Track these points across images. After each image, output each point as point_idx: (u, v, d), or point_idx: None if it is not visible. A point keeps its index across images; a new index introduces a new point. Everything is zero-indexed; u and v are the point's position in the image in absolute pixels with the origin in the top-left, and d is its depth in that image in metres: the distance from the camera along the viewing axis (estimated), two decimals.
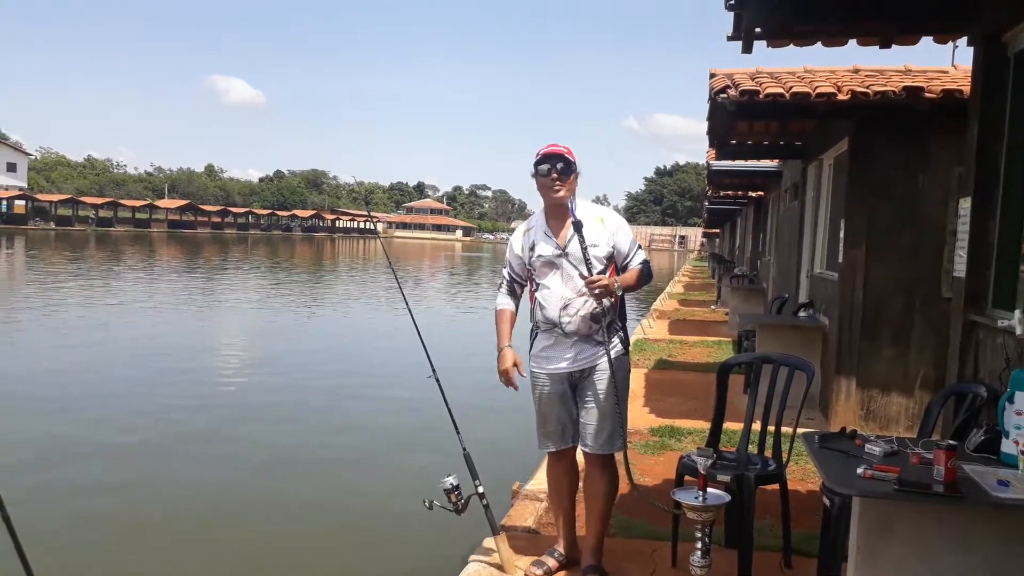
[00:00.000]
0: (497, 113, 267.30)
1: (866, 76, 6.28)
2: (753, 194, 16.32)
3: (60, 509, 5.61)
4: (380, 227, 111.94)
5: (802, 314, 7.57)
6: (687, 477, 3.54)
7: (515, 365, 3.37)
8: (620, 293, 3.28)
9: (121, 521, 5.52)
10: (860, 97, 5.50)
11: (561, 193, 3.24)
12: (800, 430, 3.54)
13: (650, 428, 6.33)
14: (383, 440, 7.79)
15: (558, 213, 3.31)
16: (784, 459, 3.59)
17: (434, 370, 3.65)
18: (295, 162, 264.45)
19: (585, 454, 3.43)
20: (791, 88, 5.72)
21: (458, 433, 3.56)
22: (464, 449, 3.55)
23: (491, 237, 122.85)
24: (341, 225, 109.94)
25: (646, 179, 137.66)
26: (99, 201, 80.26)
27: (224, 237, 77.60)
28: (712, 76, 6.70)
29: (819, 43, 4.16)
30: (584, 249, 3.19)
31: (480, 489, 3.49)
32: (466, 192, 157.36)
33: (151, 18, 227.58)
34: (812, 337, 7.01)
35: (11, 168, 79.24)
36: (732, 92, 5.73)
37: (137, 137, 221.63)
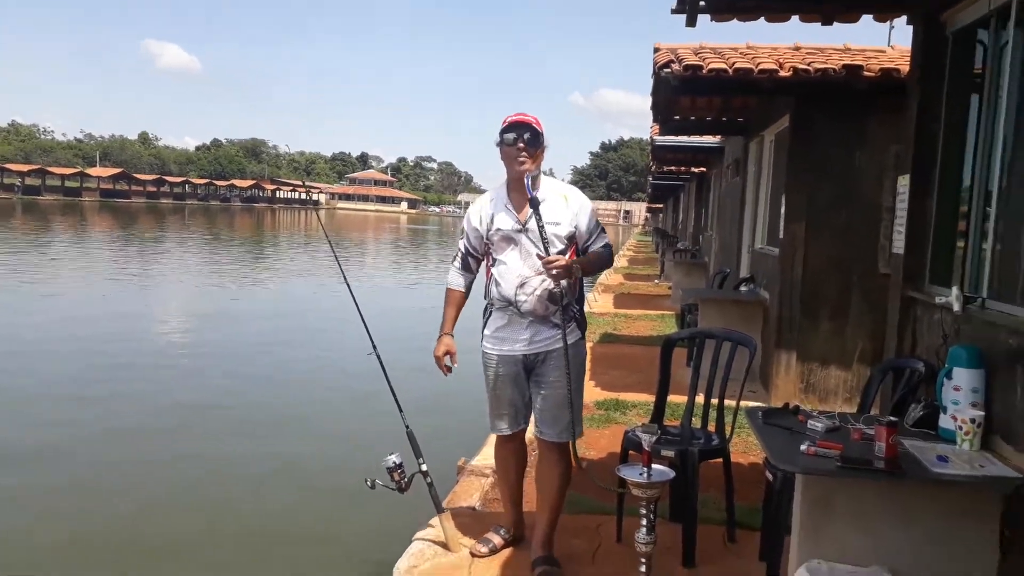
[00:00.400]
0: (444, 85, 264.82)
1: (807, 53, 6.34)
2: (696, 170, 16.48)
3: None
4: (322, 198, 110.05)
5: (743, 288, 7.68)
6: (631, 452, 3.55)
7: (448, 354, 3.32)
8: (579, 275, 3.15)
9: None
10: (801, 74, 5.54)
11: (526, 165, 3.09)
12: (742, 404, 3.60)
13: (595, 401, 6.36)
14: (323, 419, 7.69)
15: (521, 186, 3.14)
16: (727, 434, 3.62)
17: (374, 347, 3.56)
18: (233, 131, 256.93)
19: (540, 440, 3.35)
20: (734, 64, 5.74)
21: (400, 411, 3.49)
22: (407, 427, 3.48)
23: (437, 210, 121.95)
24: (281, 196, 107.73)
25: (591, 154, 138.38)
26: (25, 168, 77.04)
27: (160, 207, 75.42)
28: (656, 51, 6.68)
29: (762, 19, 4.14)
30: (541, 227, 3.02)
31: (423, 467, 3.44)
32: (411, 164, 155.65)
33: None
34: (753, 311, 7.13)
35: None
36: (675, 67, 5.71)
37: (66, 103, 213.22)
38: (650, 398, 6.65)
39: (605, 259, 3.32)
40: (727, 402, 3.66)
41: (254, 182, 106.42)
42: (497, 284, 3.21)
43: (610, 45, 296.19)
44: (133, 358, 9.77)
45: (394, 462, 3.39)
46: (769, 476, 3.16)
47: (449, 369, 3.34)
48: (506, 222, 3.18)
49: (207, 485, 5.83)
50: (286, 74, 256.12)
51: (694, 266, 13.92)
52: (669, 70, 5.66)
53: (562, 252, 3.13)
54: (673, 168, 16.89)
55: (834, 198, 6.07)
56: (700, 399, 3.85)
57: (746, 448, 5.25)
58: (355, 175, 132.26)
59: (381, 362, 3.54)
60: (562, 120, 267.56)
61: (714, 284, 9.45)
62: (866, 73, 5.47)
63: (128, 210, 64.39)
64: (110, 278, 18.36)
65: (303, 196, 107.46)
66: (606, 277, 19.52)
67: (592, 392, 6.74)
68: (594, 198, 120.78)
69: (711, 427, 3.74)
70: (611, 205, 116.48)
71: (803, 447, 2.41)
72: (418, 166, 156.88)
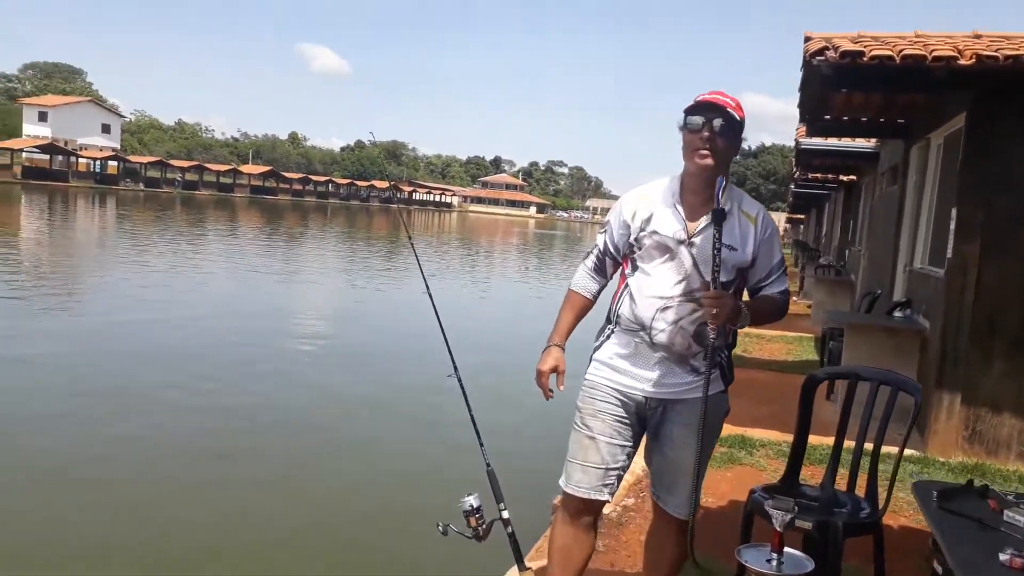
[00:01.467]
0: (579, 88, 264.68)
1: (991, 41, 5.37)
2: (844, 178, 15.16)
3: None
4: (455, 200, 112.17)
5: (897, 314, 6.71)
6: (756, 516, 2.90)
7: (555, 371, 2.60)
8: (744, 324, 2.42)
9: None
10: (987, 62, 4.64)
11: (708, 161, 2.39)
12: (906, 467, 2.86)
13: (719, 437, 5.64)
14: (393, 448, 6.72)
15: (699, 186, 2.45)
16: (881, 501, 2.90)
17: (456, 367, 3.08)
18: (377, 132, 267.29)
19: (659, 511, 2.70)
20: (901, 51, 4.89)
21: (481, 445, 2.99)
22: (488, 465, 2.98)
23: (564, 215, 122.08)
24: (417, 197, 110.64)
25: None
26: (186, 164, 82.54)
27: (304, 205, 78.98)
28: (807, 39, 5.87)
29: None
30: (717, 249, 2.30)
31: (505, 514, 2.92)
32: (542, 168, 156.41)
33: None
34: (909, 342, 6.18)
35: (105, 130, 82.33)
36: (831, 54, 4.93)
37: (226, 103, 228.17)
38: (781, 436, 5.90)
39: (779, 310, 2.59)
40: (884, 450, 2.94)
41: (392, 184, 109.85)
42: (632, 300, 2.52)
43: (753, 47, 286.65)
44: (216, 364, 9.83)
45: (471, 505, 2.88)
46: (938, 569, 2.44)
47: (552, 392, 2.64)
48: (669, 226, 2.47)
49: (262, 516, 5.14)
50: (429, 78, 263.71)
51: (838, 284, 12.74)
52: (823, 58, 4.89)
53: (728, 286, 2.44)
54: (819, 176, 15.63)
55: (1018, 212, 5.09)
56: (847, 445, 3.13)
57: (897, 507, 4.42)
58: (487, 178, 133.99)
59: (462, 386, 3.06)
60: None
61: (862, 307, 8.43)
62: None
63: (275, 206, 67.76)
64: (238, 274, 19.02)
65: (437, 198, 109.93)
66: None
67: None
68: None
69: (859, 489, 3.02)
70: (776, 224, 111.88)
71: (1003, 556, 1.72)
72: (549, 170, 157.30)
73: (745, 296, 2.54)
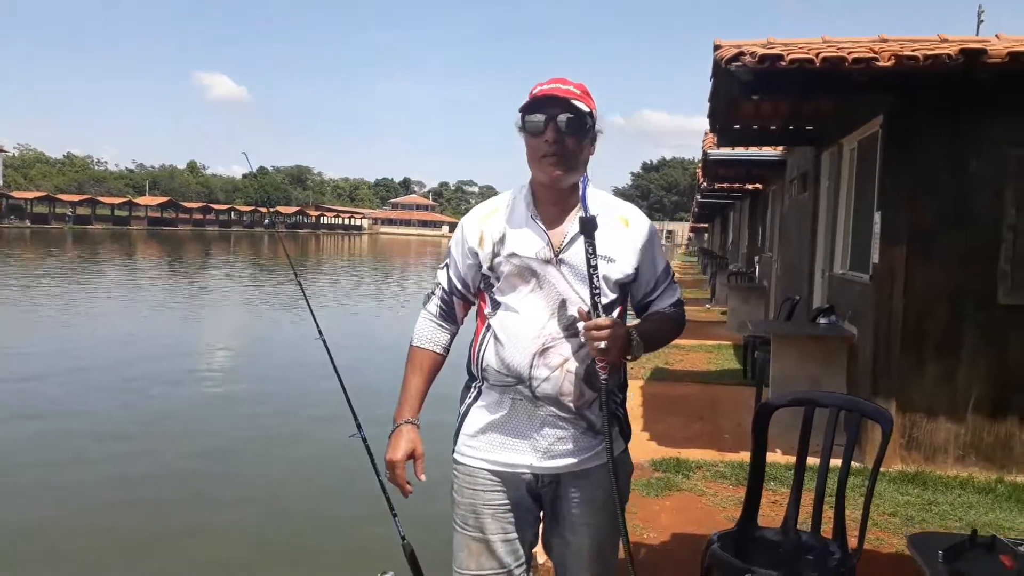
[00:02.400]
0: (483, 110, 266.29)
1: (901, 44, 5.31)
2: (750, 186, 15.37)
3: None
4: (365, 223, 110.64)
5: (822, 321, 6.60)
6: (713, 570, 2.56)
7: (412, 457, 2.03)
8: (638, 355, 1.92)
9: None
10: (906, 63, 4.52)
11: (559, 170, 1.92)
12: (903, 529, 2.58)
13: (651, 460, 5.34)
14: (299, 521, 5.55)
15: (554, 196, 1.99)
16: (852, 544, 2.59)
17: (359, 427, 2.62)
18: (279, 158, 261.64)
19: None
20: (819, 54, 4.74)
21: (394, 515, 2.52)
22: (403, 538, 2.51)
23: None
24: (325, 222, 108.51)
25: (632, 174, 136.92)
26: (76, 198, 78.67)
27: (206, 234, 76.16)
28: (717, 47, 5.70)
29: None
30: (593, 266, 1.84)
31: None
32: (452, 188, 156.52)
33: (136, 14, 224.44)
34: (836, 349, 6.05)
35: None
36: (748, 59, 4.73)
37: (120, 134, 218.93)
38: (718, 455, 5.65)
39: (676, 327, 2.13)
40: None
41: (298, 208, 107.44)
42: (499, 345, 1.98)
43: (651, 66, 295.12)
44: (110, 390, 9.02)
45: None
46: None
47: (406, 485, 2.07)
48: (530, 244, 1.97)
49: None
50: (332, 102, 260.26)
51: (752, 291, 12.81)
52: (740, 63, 4.68)
53: (610, 308, 1.97)
54: (724, 185, 15.80)
55: (943, 215, 5.01)
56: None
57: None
58: (397, 200, 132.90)
59: (368, 448, 2.58)
60: (603, 142, 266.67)
61: (781, 313, 8.37)
62: (990, 59, 4.42)
63: (174, 237, 65.06)
64: (127, 305, 17.86)
65: (346, 222, 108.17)
66: None
67: (646, 447, 5.72)
68: None
69: (825, 529, 2.72)
70: (654, 225, 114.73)
71: None
72: (459, 190, 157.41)
73: (631, 319, 2.10)
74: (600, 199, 2.03)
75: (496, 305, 2.03)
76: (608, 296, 1.96)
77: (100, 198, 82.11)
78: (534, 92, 1.95)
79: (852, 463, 2.82)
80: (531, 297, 1.97)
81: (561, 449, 1.97)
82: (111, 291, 21.36)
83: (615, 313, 2.00)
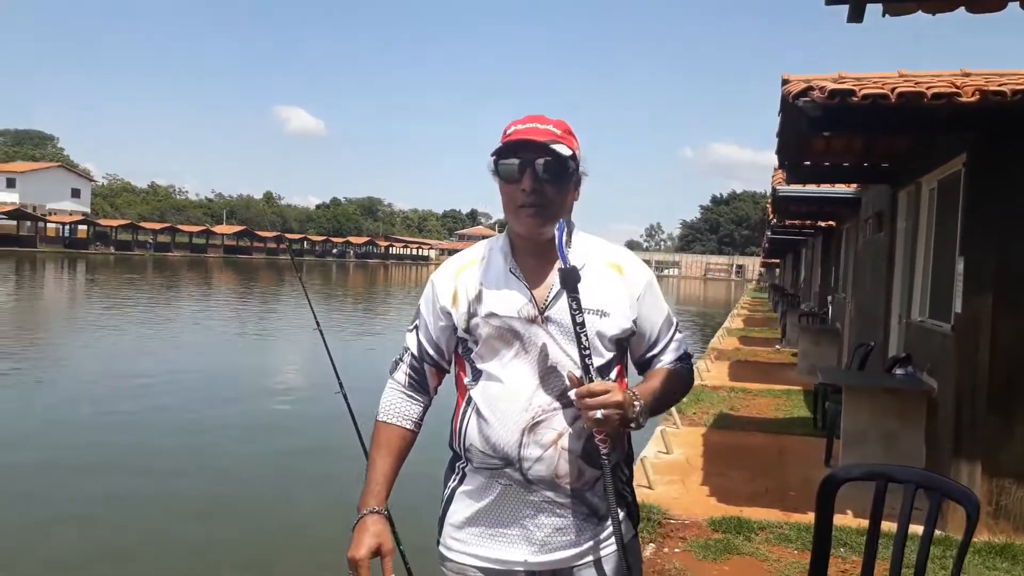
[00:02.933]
0: None
1: (987, 77, 4.95)
2: (822, 223, 14.82)
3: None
4: (432, 254, 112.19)
5: (898, 371, 6.17)
6: None
7: (379, 554, 1.70)
8: (642, 423, 1.69)
9: None
10: (992, 98, 4.19)
11: (537, 223, 1.71)
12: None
13: (710, 519, 5.01)
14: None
15: (538, 247, 1.77)
16: None
17: (361, 439, 2.43)
18: (352, 190, 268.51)
19: None
20: (895, 89, 4.44)
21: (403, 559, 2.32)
22: None
23: None
24: (394, 252, 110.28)
25: (702, 207, 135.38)
26: (158, 226, 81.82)
27: (278, 263, 78.19)
28: (785, 82, 5.44)
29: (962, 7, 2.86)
30: (577, 320, 1.62)
31: None
32: None
33: (220, 50, 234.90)
34: (914, 403, 5.62)
35: (75, 194, 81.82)
36: (817, 94, 4.47)
37: (201, 165, 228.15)
38: (783, 516, 5.25)
39: (684, 386, 1.89)
40: None
41: (368, 239, 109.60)
42: (483, 421, 1.73)
43: (721, 99, 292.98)
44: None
45: None
46: None
47: None
48: (510, 303, 1.74)
49: None
50: (404, 135, 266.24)
51: (824, 333, 12.25)
52: (808, 99, 4.42)
53: (606, 368, 1.75)
54: (795, 222, 15.28)
55: None
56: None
57: None
58: (464, 231, 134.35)
59: (391, 522, 2.39)
60: (672, 175, 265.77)
61: (854, 360, 7.90)
62: None
63: (248, 265, 66.95)
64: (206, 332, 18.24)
65: (414, 252, 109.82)
66: (719, 340, 17.88)
67: (706, 504, 5.38)
68: (705, 252, 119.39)
69: None
70: (723, 259, 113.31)
71: None
72: None
73: (633, 378, 1.87)
74: (587, 245, 1.81)
75: (476, 374, 1.78)
76: (603, 356, 1.74)
77: (180, 226, 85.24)
78: (507, 133, 1.73)
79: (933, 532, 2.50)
80: (516, 363, 1.73)
81: (560, 540, 1.72)
82: (183, 322, 21.90)
83: (612, 375, 1.76)
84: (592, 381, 1.61)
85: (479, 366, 1.77)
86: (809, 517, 5.14)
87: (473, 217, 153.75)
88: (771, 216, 15.31)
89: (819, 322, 13.84)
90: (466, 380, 1.81)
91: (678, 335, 1.90)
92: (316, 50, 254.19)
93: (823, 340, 11.83)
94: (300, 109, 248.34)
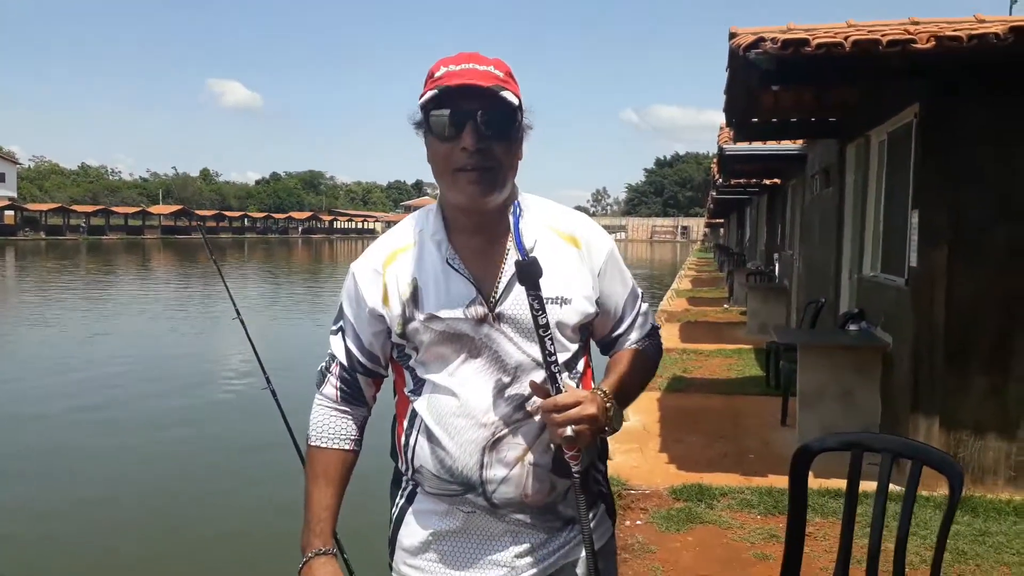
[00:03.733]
0: None
1: (939, 25, 4.82)
2: (768, 181, 14.85)
3: None
4: (378, 227, 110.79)
5: (851, 327, 6.12)
6: None
7: None
8: (617, 427, 1.48)
9: None
10: (947, 43, 4.05)
11: (479, 188, 1.39)
12: None
13: (671, 488, 4.89)
14: None
15: (479, 223, 1.46)
16: None
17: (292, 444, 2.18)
18: (292, 164, 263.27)
19: None
20: (849, 37, 4.27)
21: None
22: None
23: None
24: (339, 226, 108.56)
25: (646, 170, 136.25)
26: (90, 209, 78.97)
27: (219, 242, 76.26)
28: (733, 35, 5.25)
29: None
30: (540, 322, 1.37)
31: None
32: None
33: (149, 23, 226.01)
34: (870, 359, 5.57)
35: (0, 178, 77.98)
36: (768, 45, 4.27)
37: (134, 143, 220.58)
38: (744, 480, 5.16)
39: (653, 365, 1.65)
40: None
41: (312, 214, 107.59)
42: (432, 444, 1.47)
43: (662, 60, 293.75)
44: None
45: None
46: None
47: None
48: (453, 302, 1.44)
49: None
50: (345, 107, 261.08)
51: (772, 291, 12.30)
52: (760, 51, 4.23)
53: (572, 363, 1.50)
54: (742, 181, 15.29)
55: (991, 211, 4.53)
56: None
57: None
58: (410, 202, 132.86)
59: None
60: (615, 139, 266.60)
61: (805, 318, 7.88)
62: None
63: (188, 246, 65.11)
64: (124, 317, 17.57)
65: (359, 226, 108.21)
66: (668, 302, 17.93)
67: (665, 471, 5.27)
68: (650, 215, 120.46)
69: None
70: (668, 221, 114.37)
71: None
72: None
73: (604, 371, 1.62)
74: (535, 216, 1.51)
75: (419, 383, 1.50)
76: (567, 349, 1.49)
77: (114, 208, 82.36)
78: (436, 76, 1.38)
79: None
80: (466, 371, 1.45)
81: (529, 559, 1.50)
82: (125, 305, 21.11)
83: (580, 366, 1.53)
84: (559, 391, 1.37)
85: (422, 375, 1.49)
86: (770, 480, 5.09)
87: (419, 188, 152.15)
88: (716, 176, 15.30)
89: (766, 280, 13.91)
90: (406, 390, 1.53)
91: (643, 307, 1.66)
92: (250, 20, 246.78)
93: (771, 298, 11.87)
94: (236, 82, 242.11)
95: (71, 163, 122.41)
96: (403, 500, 1.57)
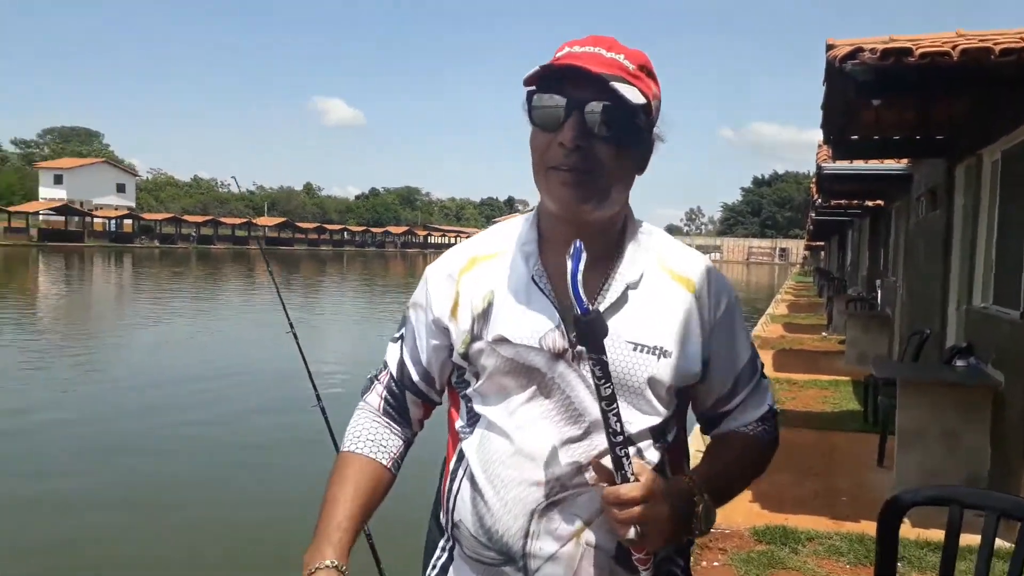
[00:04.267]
0: None
1: None
2: (870, 203, 14.12)
3: None
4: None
5: (959, 363, 5.64)
6: None
7: None
8: (705, 529, 1.18)
9: None
10: None
11: (574, 194, 1.17)
12: None
13: (752, 529, 4.58)
14: None
15: (571, 236, 1.14)
16: None
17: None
18: (390, 180, 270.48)
19: None
20: (957, 46, 3.93)
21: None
22: None
23: None
24: (433, 241, 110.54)
25: (743, 189, 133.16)
26: (201, 219, 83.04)
27: (319, 254, 78.81)
28: (830, 47, 4.95)
29: None
30: (603, 392, 1.08)
31: None
32: None
33: (259, 44, 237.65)
34: (979, 399, 5.10)
35: (120, 189, 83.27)
36: (867, 55, 3.98)
37: (243, 158, 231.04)
38: (834, 525, 4.77)
39: (764, 459, 1.36)
40: None
41: (407, 228, 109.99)
42: (475, 493, 1.24)
43: (762, 78, 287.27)
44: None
45: None
46: None
47: None
48: (530, 327, 1.22)
49: None
50: (442, 124, 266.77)
51: (873, 319, 11.63)
52: (857, 61, 3.94)
53: (661, 432, 1.24)
54: (842, 202, 14.59)
55: None
56: None
57: None
58: (501, 219, 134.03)
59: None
60: (711, 156, 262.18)
61: (907, 351, 7.36)
62: None
63: (290, 256, 67.55)
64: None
65: (452, 241, 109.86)
66: (763, 328, 17.27)
67: (747, 510, 4.95)
68: (747, 235, 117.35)
69: None
70: (766, 243, 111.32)
71: None
72: None
73: (697, 439, 1.43)
74: (650, 247, 1.28)
75: (473, 418, 1.28)
76: (657, 413, 1.22)
77: (222, 219, 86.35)
78: (557, 56, 1.18)
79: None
80: (529, 412, 1.22)
81: None
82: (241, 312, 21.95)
83: (670, 436, 1.26)
84: (626, 478, 1.09)
85: (477, 408, 1.26)
86: (862, 526, 4.70)
87: (511, 204, 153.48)
88: (816, 196, 14.66)
89: (868, 308, 13.19)
90: (458, 424, 1.31)
91: (764, 382, 1.36)
92: (354, 40, 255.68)
93: (872, 327, 11.22)
94: (339, 100, 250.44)
95: (185, 175, 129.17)
96: (438, 565, 1.33)
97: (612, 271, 1.23)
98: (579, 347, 1.17)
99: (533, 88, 1.18)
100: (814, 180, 13.35)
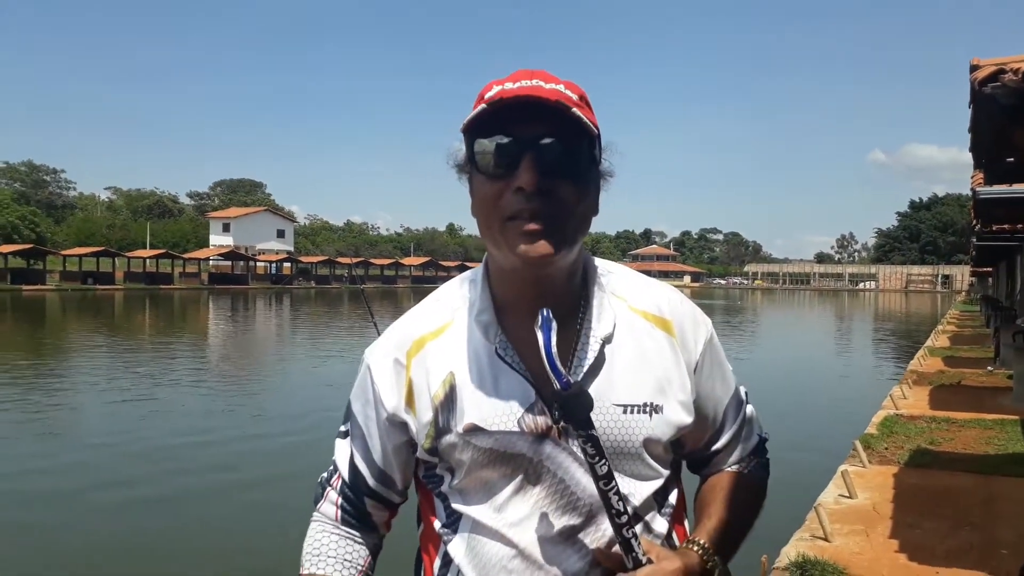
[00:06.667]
0: (729, 151, 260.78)
1: None
2: None
3: None
4: None
5: None
6: None
7: None
8: None
9: None
10: None
11: (542, 246, 1.02)
12: None
13: None
14: None
15: (540, 296, 1.07)
16: None
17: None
18: None
19: None
20: None
21: None
22: None
23: (723, 282, 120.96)
24: None
25: (899, 214, 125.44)
26: (352, 261, 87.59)
27: None
28: (975, 68, 4.68)
29: None
30: (599, 470, 1.00)
31: None
32: (695, 236, 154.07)
33: (402, 97, 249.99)
34: None
35: (280, 234, 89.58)
36: (1009, 77, 3.75)
37: (391, 202, 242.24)
38: None
39: (761, 494, 1.26)
40: None
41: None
42: None
43: (918, 96, 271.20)
44: None
45: None
46: None
47: None
48: (505, 410, 1.09)
49: None
50: None
51: None
52: (998, 83, 3.72)
53: (662, 494, 1.15)
54: (1006, 226, 13.50)
55: None
56: None
57: None
58: (637, 251, 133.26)
59: None
60: (862, 182, 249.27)
61: None
62: None
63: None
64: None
65: None
66: (920, 361, 16.12)
67: (892, 561, 4.65)
68: (905, 262, 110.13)
69: None
70: (926, 270, 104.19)
71: None
72: (703, 238, 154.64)
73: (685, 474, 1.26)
74: (613, 289, 1.16)
75: (453, 519, 1.14)
76: (657, 475, 1.13)
77: (372, 260, 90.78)
78: (488, 96, 1.03)
79: None
80: (520, 505, 1.09)
81: None
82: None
83: (672, 498, 1.17)
84: (639, 560, 1.02)
85: (457, 507, 1.13)
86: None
87: (647, 237, 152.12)
88: (974, 221, 13.65)
89: None
90: (437, 525, 1.16)
91: (749, 411, 1.27)
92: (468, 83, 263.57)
93: None
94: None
95: (338, 220, 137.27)
96: None
97: (582, 327, 1.11)
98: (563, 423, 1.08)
99: (470, 131, 1.05)
100: (971, 205, 12.47)
